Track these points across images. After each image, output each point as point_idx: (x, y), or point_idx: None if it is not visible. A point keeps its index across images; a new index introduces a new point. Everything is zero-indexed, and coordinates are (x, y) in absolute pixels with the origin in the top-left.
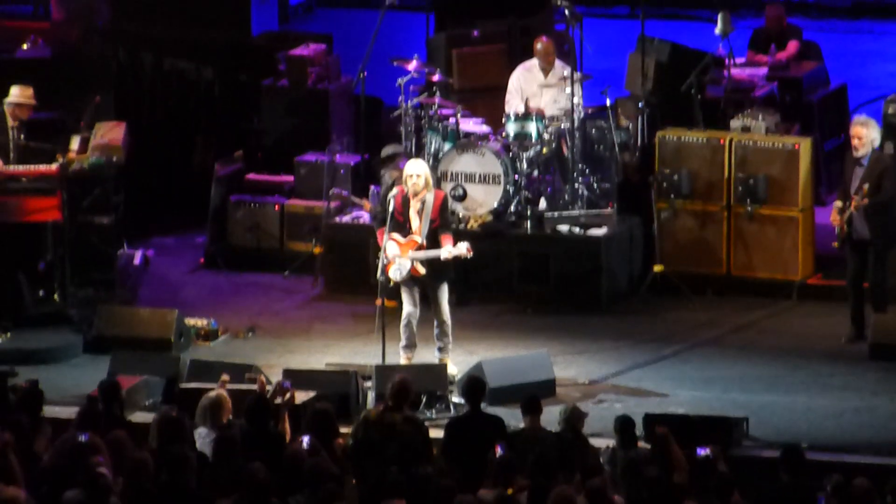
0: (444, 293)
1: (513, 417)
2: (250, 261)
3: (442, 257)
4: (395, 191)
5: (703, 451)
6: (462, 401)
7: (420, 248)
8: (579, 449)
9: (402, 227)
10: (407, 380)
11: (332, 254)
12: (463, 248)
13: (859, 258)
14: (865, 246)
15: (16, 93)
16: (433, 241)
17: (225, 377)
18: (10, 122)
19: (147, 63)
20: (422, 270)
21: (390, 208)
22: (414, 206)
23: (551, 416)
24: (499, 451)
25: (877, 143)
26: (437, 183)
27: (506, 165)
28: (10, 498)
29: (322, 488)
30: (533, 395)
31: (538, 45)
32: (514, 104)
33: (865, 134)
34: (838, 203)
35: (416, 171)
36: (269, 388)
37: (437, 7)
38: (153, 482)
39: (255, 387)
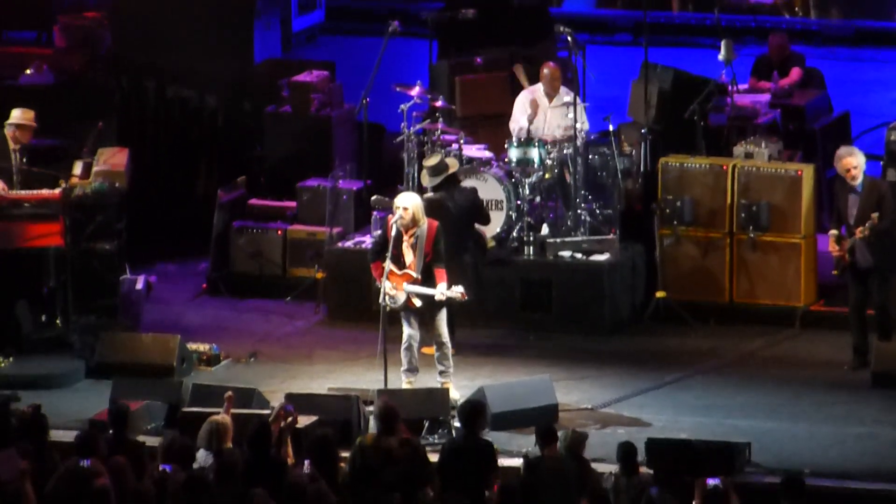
0: (443, 317)
1: (513, 442)
2: (253, 287)
3: (436, 297)
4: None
5: (713, 482)
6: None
7: (415, 282)
8: (582, 473)
9: (397, 260)
10: (389, 402)
11: (334, 280)
12: (457, 293)
13: (862, 286)
14: (868, 274)
15: (17, 115)
16: (428, 274)
17: (229, 393)
18: (12, 146)
19: (150, 90)
20: (418, 303)
21: (392, 235)
22: (407, 239)
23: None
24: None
25: (864, 167)
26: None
27: (508, 191)
28: None
29: None
30: (549, 424)
31: (545, 70)
32: (518, 122)
33: (858, 163)
34: (834, 231)
35: (405, 204)
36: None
37: (440, 34)
38: None
39: (265, 412)
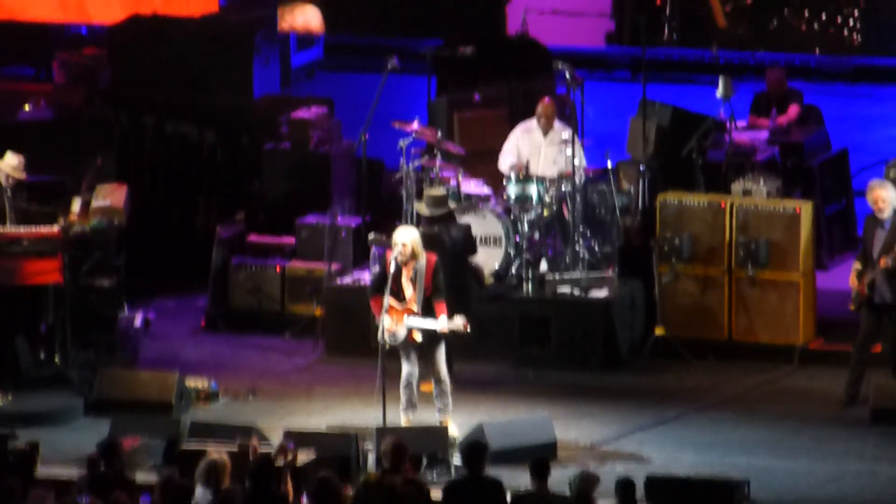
0: (441, 353)
1: (513, 479)
2: (251, 323)
3: (437, 330)
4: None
5: None
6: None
7: (415, 316)
8: None
9: (397, 295)
10: (400, 441)
11: (333, 316)
12: (459, 324)
13: (876, 321)
14: (884, 310)
15: (8, 162)
16: (428, 307)
17: (256, 439)
18: (3, 184)
19: (149, 126)
20: (418, 338)
21: (391, 270)
22: (406, 273)
23: (552, 479)
24: None
25: (894, 203)
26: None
27: (507, 227)
28: None
29: None
30: (543, 457)
31: (539, 106)
32: (507, 160)
33: (887, 196)
34: (857, 265)
35: (403, 239)
36: (262, 449)
37: (439, 71)
38: None
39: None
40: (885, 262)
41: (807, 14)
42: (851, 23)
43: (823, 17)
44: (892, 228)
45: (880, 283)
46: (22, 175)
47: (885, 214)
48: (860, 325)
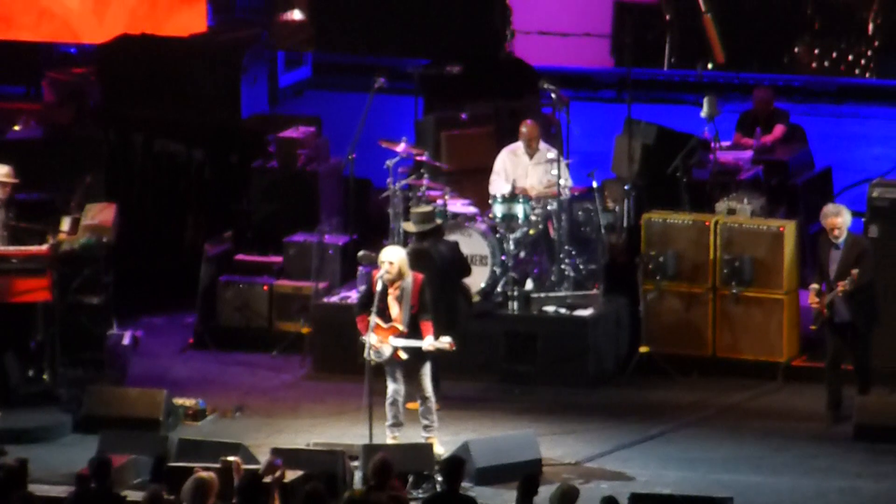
0: (427, 372)
1: (498, 497)
2: (239, 340)
3: (423, 348)
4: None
5: None
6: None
7: (402, 335)
8: None
9: (383, 313)
10: (387, 458)
11: (320, 334)
12: (445, 343)
13: (840, 340)
14: (846, 328)
15: None
16: (414, 326)
17: (239, 459)
18: None
19: (137, 144)
20: (404, 356)
21: (377, 289)
22: (392, 292)
23: (537, 497)
24: None
25: (849, 225)
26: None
27: (493, 246)
28: None
29: None
30: (532, 475)
31: (522, 129)
32: (498, 185)
33: (841, 223)
34: (815, 286)
35: (390, 258)
36: (247, 467)
37: (426, 90)
38: None
39: (253, 466)
40: (842, 286)
41: (817, 52)
42: (863, 61)
43: (834, 56)
44: (846, 250)
45: (838, 303)
46: (14, 180)
47: (841, 239)
48: (826, 346)
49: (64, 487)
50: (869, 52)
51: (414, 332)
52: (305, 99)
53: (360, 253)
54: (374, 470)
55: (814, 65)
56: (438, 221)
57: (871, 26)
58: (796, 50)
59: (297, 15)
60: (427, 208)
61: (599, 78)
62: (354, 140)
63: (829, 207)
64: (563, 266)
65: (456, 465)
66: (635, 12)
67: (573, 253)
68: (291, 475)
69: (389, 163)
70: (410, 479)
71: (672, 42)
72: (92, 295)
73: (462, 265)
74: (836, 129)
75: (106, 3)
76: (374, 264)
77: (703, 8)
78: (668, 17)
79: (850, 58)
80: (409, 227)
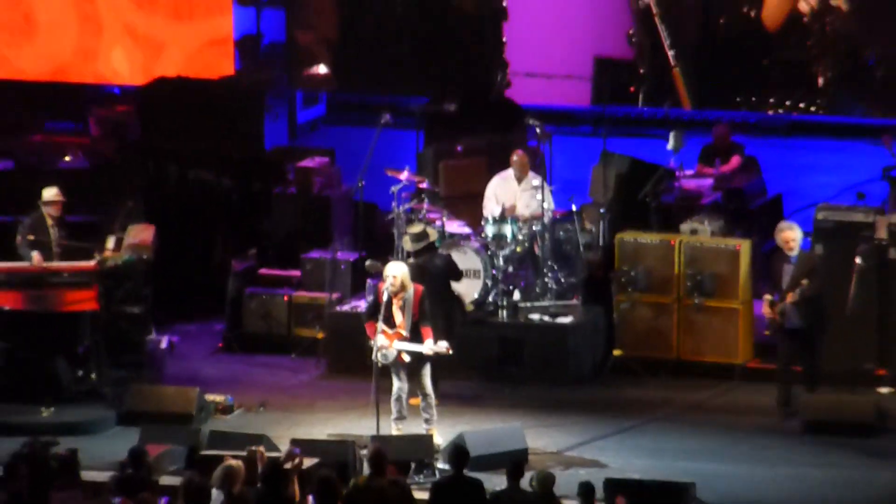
0: (427, 371)
1: (489, 481)
2: (262, 345)
3: (424, 352)
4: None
5: None
6: (446, 467)
7: (405, 339)
8: None
9: (388, 321)
10: (380, 447)
11: (333, 339)
12: (443, 347)
13: (791, 345)
14: (796, 334)
15: (46, 194)
16: (415, 332)
17: (262, 448)
18: (49, 222)
19: (173, 173)
20: (407, 359)
21: (383, 299)
22: (396, 302)
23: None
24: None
25: (801, 241)
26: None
27: (485, 262)
28: None
29: None
30: (519, 461)
31: (514, 157)
32: (490, 208)
33: (796, 237)
34: (768, 296)
35: (394, 272)
36: (273, 454)
37: (426, 125)
38: None
39: (275, 454)
40: (791, 296)
41: (772, 101)
42: (812, 108)
43: (787, 104)
44: (798, 264)
45: (790, 311)
46: (62, 198)
47: (793, 252)
48: (778, 349)
49: (108, 473)
50: (818, 101)
51: (415, 337)
52: (320, 133)
53: (367, 262)
54: (370, 459)
55: (770, 112)
56: (431, 237)
57: (820, 80)
58: (753, 99)
59: (322, 69)
60: (419, 228)
61: (579, 115)
62: (363, 169)
63: (784, 224)
64: (546, 279)
65: (461, 453)
66: (612, 65)
67: (555, 268)
68: (308, 462)
69: (394, 189)
70: (413, 466)
71: (645, 90)
72: (133, 305)
73: (454, 272)
74: (786, 160)
75: (149, 54)
76: (380, 273)
77: (672, 63)
78: (641, 70)
79: (801, 105)
80: (407, 244)
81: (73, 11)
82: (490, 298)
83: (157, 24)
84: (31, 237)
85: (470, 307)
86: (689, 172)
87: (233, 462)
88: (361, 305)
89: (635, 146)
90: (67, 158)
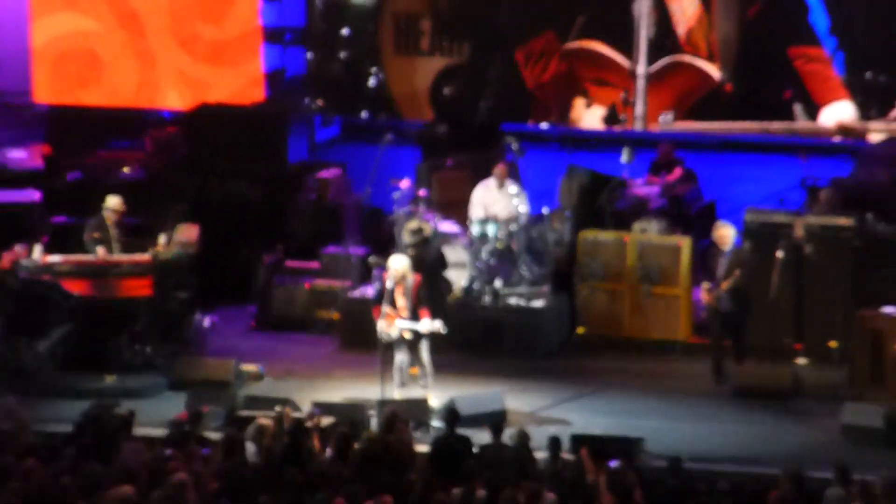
0: (425, 346)
1: (475, 437)
2: (288, 324)
3: (421, 330)
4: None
5: (614, 463)
6: (441, 425)
7: (406, 319)
8: (527, 458)
9: (392, 305)
10: (395, 411)
11: (346, 319)
12: (438, 325)
13: (723, 324)
14: (728, 316)
15: (113, 202)
16: (414, 313)
17: (288, 409)
18: (109, 222)
19: (213, 184)
20: (408, 336)
21: (387, 287)
22: (398, 289)
23: (504, 436)
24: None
25: (733, 238)
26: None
27: (471, 256)
28: None
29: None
30: (499, 421)
31: (496, 170)
32: (475, 212)
33: (729, 234)
34: (706, 284)
35: (395, 265)
36: (297, 414)
37: (423, 144)
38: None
39: (299, 415)
40: (725, 284)
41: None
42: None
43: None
44: (730, 258)
45: (723, 297)
46: (123, 208)
47: (727, 247)
48: (711, 328)
49: (161, 430)
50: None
51: (414, 317)
52: (334, 150)
53: (371, 258)
54: (384, 419)
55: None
56: (426, 232)
57: None
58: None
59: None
60: (416, 224)
61: (547, 135)
62: (370, 179)
63: (720, 223)
64: (521, 271)
65: (453, 414)
66: None
67: (529, 261)
68: (326, 421)
69: (396, 195)
70: (411, 424)
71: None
72: (181, 291)
73: (441, 260)
74: (719, 172)
75: (197, 92)
76: (382, 266)
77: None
78: None
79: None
80: (406, 237)
81: (131, 50)
82: (475, 286)
83: (203, 70)
84: (97, 235)
85: (458, 293)
86: (639, 182)
87: (264, 420)
88: (369, 292)
89: (595, 160)
90: (126, 170)
